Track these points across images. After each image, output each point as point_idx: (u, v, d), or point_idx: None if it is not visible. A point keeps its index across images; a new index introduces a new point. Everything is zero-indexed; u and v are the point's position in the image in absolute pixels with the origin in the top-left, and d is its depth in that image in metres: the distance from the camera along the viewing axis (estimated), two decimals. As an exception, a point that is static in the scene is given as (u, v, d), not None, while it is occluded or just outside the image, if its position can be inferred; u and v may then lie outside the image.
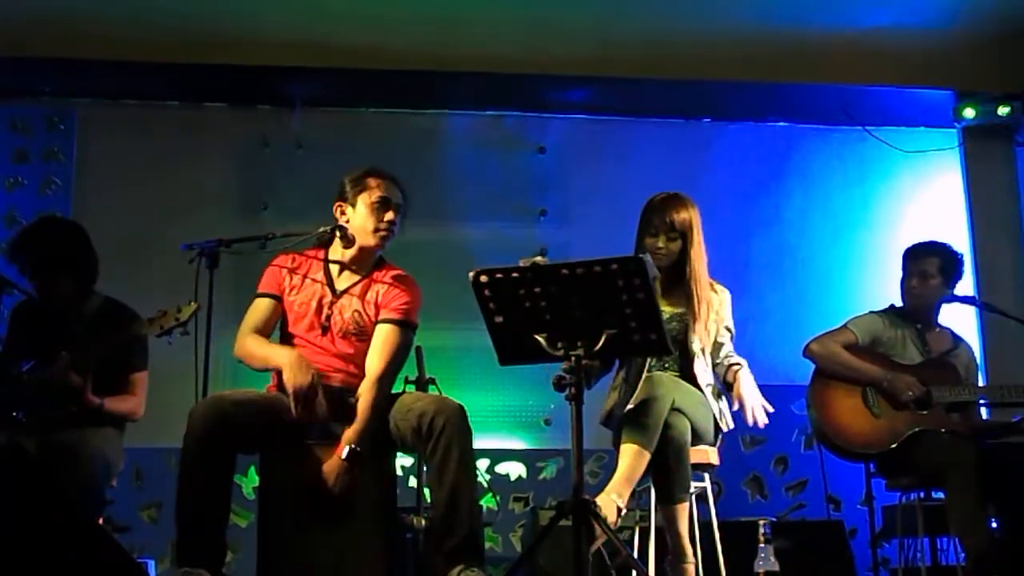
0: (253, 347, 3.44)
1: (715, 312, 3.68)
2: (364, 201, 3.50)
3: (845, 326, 4.29)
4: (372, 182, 3.52)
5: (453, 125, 6.05)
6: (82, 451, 3.49)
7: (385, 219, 3.49)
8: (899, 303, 4.37)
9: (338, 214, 3.55)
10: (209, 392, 3.50)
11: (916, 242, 4.37)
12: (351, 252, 3.53)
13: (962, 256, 4.30)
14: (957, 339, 4.35)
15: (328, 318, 3.47)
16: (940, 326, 4.34)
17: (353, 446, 3.24)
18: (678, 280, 3.69)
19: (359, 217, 3.50)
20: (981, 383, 4.40)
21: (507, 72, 5.64)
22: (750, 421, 3.47)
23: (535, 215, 5.97)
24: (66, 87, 5.77)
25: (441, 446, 3.15)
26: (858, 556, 4.66)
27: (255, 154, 5.87)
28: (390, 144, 5.81)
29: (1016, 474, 3.83)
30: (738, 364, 3.61)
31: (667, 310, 3.64)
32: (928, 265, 4.24)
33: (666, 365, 3.65)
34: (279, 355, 3.37)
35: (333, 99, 5.91)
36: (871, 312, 4.37)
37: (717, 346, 3.69)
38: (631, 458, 3.27)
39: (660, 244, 3.65)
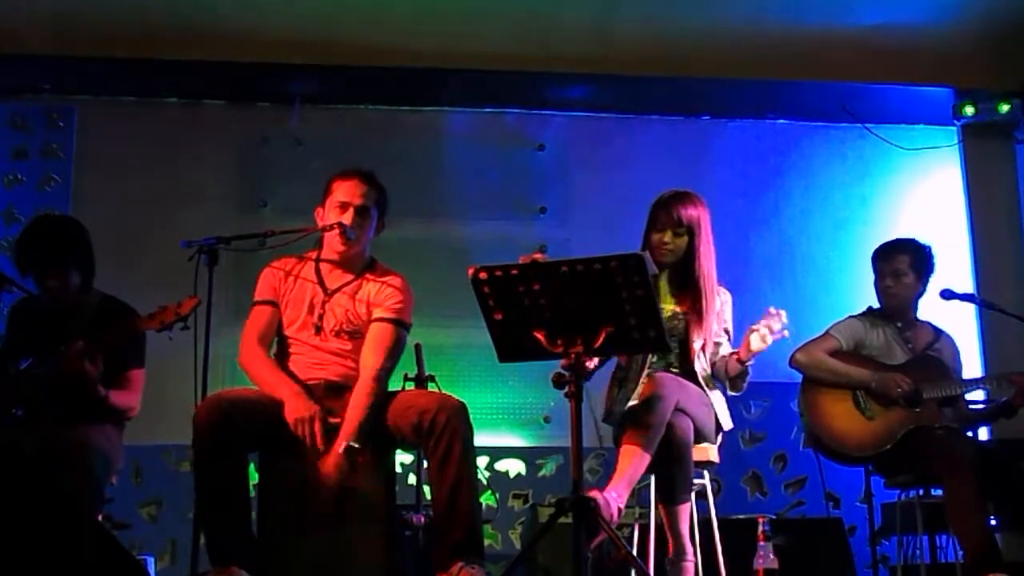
0: (258, 370, 3.44)
1: (716, 312, 3.68)
2: (329, 205, 3.54)
3: (828, 333, 4.27)
4: (334, 185, 3.56)
5: (452, 122, 6.05)
6: (82, 448, 3.49)
7: (347, 221, 3.49)
8: (876, 305, 4.36)
9: (317, 218, 3.59)
10: (208, 390, 3.51)
11: (882, 243, 4.36)
12: (341, 252, 3.53)
13: (930, 248, 4.28)
14: (938, 331, 4.33)
15: (321, 317, 3.48)
16: (920, 321, 4.34)
17: (350, 442, 3.24)
18: (684, 278, 3.68)
19: (328, 220, 3.53)
20: (966, 374, 4.38)
21: (507, 69, 5.64)
22: (776, 328, 3.45)
23: (535, 212, 5.97)
24: (66, 84, 5.77)
25: (443, 443, 3.16)
26: (857, 553, 4.66)
27: (254, 151, 5.87)
28: (389, 141, 5.81)
29: (1015, 471, 3.83)
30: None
31: (671, 308, 3.63)
32: (899, 263, 4.23)
33: (669, 362, 3.65)
34: (282, 390, 3.35)
35: (332, 96, 5.90)
36: (850, 316, 4.34)
37: (715, 347, 3.69)
38: (632, 459, 3.25)
39: (667, 239, 3.64)
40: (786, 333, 3.49)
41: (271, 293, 3.55)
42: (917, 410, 4.04)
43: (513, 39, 5.53)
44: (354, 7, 5.34)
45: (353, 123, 5.95)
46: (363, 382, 3.36)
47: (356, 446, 3.24)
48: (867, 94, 5.89)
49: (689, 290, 3.65)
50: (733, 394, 3.67)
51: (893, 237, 4.44)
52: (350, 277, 3.56)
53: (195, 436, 3.17)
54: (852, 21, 5.47)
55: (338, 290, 3.53)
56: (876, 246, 4.38)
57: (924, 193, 6.14)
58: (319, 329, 3.48)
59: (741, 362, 3.56)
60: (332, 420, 3.32)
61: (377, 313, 3.48)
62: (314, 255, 3.62)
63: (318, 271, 3.57)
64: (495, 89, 5.87)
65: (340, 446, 3.23)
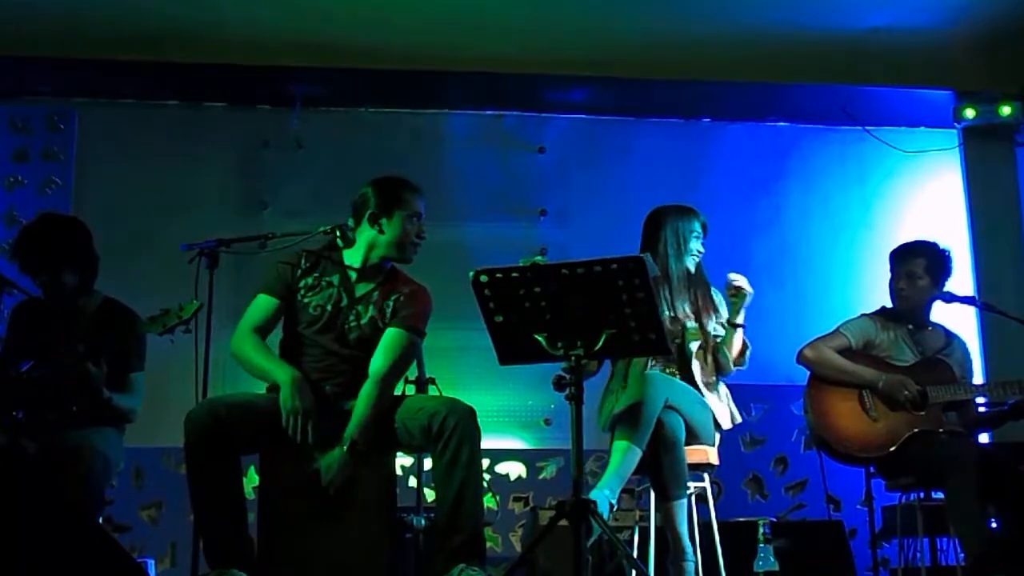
0: (253, 354, 3.38)
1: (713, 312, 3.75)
2: (401, 215, 3.49)
3: (837, 330, 4.26)
4: (408, 196, 3.53)
5: (453, 125, 6.05)
6: (82, 451, 3.49)
7: (421, 234, 3.53)
8: (890, 304, 4.36)
9: (370, 223, 3.48)
10: (208, 392, 3.50)
11: (902, 243, 4.36)
12: (369, 258, 3.49)
13: (949, 253, 4.27)
14: (950, 336, 4.33)
15: (344, 324, 3.44)
16: (932, 324, 4.33)
17: (353, 440, 3.24)
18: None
19: (394, 230, 3.48)
20: (978, 378, 4.37)
21: (507, 72, 5.65)
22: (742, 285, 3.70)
23: (535, 215, 5.98)
24: (66, 86, 5.77)
25: (451, 446, 3.16)
26: (858, 556, 4.65)
27: (255, 154, 5.87)
28: (390, 144, 5.82)
29: (1015, 474, 3.83)
30: None
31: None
32: (915, 266, 4.22)
33: (666, 366, 3.67)
34: (279, 373, 3.32)
35: (333, 99, 5.90)
36: (862, 315, 4.35)
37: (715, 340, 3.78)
38: (621, 454, 3.31)
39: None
40: (750, 289, 3.74)
41: (281, 288, 3.46)
42: (922, 413, 4.04)
43: (513, 42, 5.53)
44: (355, 10, 5.34)
45: (354, 126, 5.95)
46: (370, 384, 3.34)
47: (359, 445, 3.24)
48: (867, 97, 5.89)
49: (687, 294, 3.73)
50: (740, 368, 3.75)
51: (893, 239, 4.44)
52: (374, 284, 3.51)
53: (185, 440, 3.16)
54: (852, 24, 5.47)
55: (363, 297, 3.48)
56: (877, 246, 4.40)
57: (924, 196, 6.15)
58: (340, 336, 3.43)
59: (732, 324, 3.70)
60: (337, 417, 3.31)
61: (394, 320, 3.46)
62: (333, 254, 3.53)
63: (344, 276, 3.51)
64: (495, 91, 5.88)
65: (344, 444, 3.23)
